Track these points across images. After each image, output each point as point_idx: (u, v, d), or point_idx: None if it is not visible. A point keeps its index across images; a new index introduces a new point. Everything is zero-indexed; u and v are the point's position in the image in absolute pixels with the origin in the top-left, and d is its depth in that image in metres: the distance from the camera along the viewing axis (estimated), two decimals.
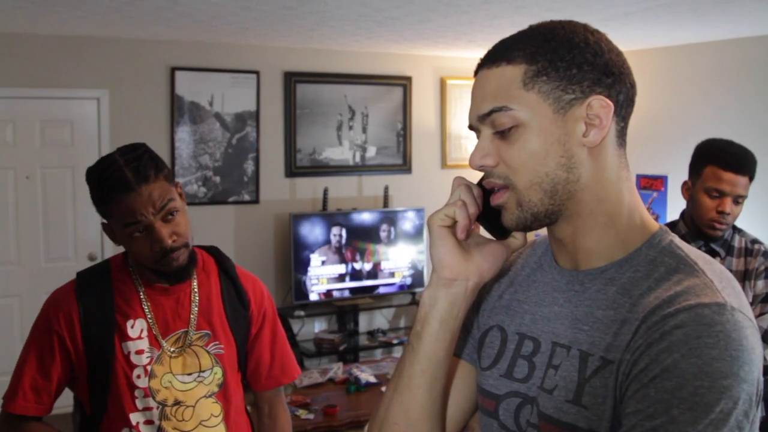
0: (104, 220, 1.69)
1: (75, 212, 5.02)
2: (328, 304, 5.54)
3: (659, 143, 5.39)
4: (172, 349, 1.70)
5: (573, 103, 0.91)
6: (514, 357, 1.02)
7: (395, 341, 5.63)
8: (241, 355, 1.80)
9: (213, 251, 1.85)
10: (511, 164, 0.93)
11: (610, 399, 0.87)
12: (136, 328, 1.68)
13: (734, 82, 5.07)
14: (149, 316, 1.69)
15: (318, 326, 5.71)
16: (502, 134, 0.94)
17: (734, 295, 0.87)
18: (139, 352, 1.67)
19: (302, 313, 5.41)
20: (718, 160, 2.34)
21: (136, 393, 1.66)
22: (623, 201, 0.95)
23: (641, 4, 3.81)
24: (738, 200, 2.34)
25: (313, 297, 5.40)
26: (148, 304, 1.70)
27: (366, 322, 5.91)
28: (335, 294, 5.49)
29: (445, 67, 6.12)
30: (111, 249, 5.04)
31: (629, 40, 5.07)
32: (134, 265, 1.72)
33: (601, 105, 0.92)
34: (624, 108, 0.95)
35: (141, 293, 1.70)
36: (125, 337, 1.67)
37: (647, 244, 0.94)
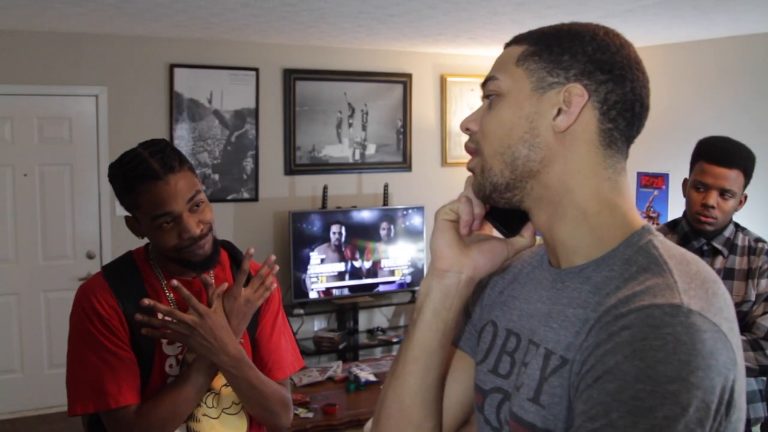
0: (128, 214, 1.69)
1: (73, 210, 4.99)
2: (327, 302, 5.53)
3: (660, 141, 5.36)
4: None
5: (554, 86, 0.93)
6: (500, 353, 1.02)
7: (395, 339, 5.62)
8: (252, 344, 1.82)
9: (226, 245, 1.86)
10: (484, 131, 0.97)
11: (565, 399, 0.86)
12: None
13: (735, 80, 5.05)
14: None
15: (317, 324, 5.70)
16: (490, 103, 0.98)
17: (702, 298, 0.82)
18: (171, 343, 1.69)
19: (302, 311, 5.40)
20: (705, 154, 2.38)
21: (168, 381, 1.68)
22: (599, 197, 0.94)
23: (642, 2, 3.79)
24: (725, 195, 2.33)
25: (313, 295, 5.39)
26: (171, 296, 1.72)
27: (365, 320, 5.90)
28: (335, 292, 5.47)
29: (446, 65, 6.10)
30: (110, 247, 5.03)
31: (629, 37, 5.01)
32: (156, 257, 1.73)
33: (576, 93, 0.91)
34: (614, 110, 0.93)
35: (164, 286, 1.72)
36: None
37: (626, 242, 0.92)
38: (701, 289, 0.84)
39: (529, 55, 0.95)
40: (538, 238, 1.05)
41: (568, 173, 0.93)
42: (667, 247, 0.91)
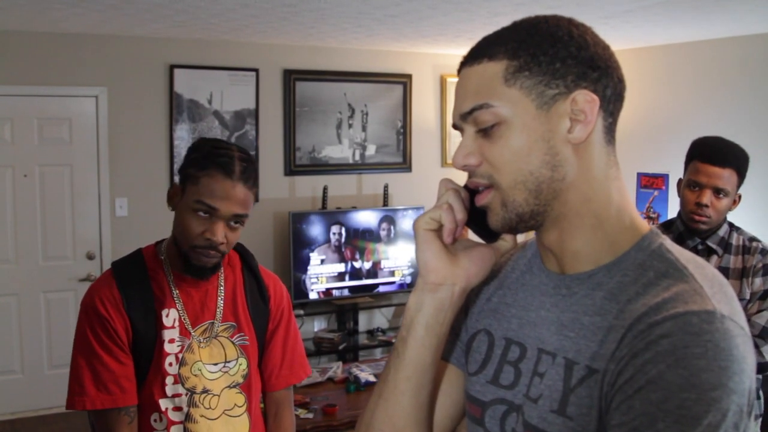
0: (177, 183, 1.73)
1: (73, 210, 4.99)
2: (327, 303, 5.53)
3: (660, 141, 5.37)
4: (201, 339, 1.75)
5: (557, 98, 0.89)
6: (500, 363, 0.99)
7: (395, 340, 5.60)
8: (260, 348, 1.85)
9: (238, 247, 1.89)
10: (494, 163, 0.91)
11: (595, 410, 0.84)
12: (170, 317, 1.73)
13: (734, 80, 5.05)
14: (180, 306, 1.74)
15: (317, 325, 5.70)
16: (485, 132, 0.91)
17: (725, 302, 0.83)
18: (171, 341, 1.72)
19: (302, 312, 5.39)
20: (699, 153, 2.40)
21: (167, 380, 1.71)
22: (611, 201, 0.92)
23: (641, 2, 3.79)
24: (719, 193, 2.35)
25: (313, 296, 5.39)
26: (177, 292, 1.75)
27: (365, 321, 5.90)
28: (335, 293, 5.47)
29: (445, 65, 6.10)
30: (110, 247, 5.03)
31: (629, 37, 5.05)
32: (168, 255, 1.77)
33: (586, 99, 0.88)
34: (612, 103, 0.91)
35: (171, 284, 1.75)
36: (161, 326, 1.72)
37: (636, 247, 0.91)
38: (722, 293, 0.85)
39: (517, 71, 0.89)
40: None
41: (587, 182, 0.91)
42: (679, 250, 0.91)
